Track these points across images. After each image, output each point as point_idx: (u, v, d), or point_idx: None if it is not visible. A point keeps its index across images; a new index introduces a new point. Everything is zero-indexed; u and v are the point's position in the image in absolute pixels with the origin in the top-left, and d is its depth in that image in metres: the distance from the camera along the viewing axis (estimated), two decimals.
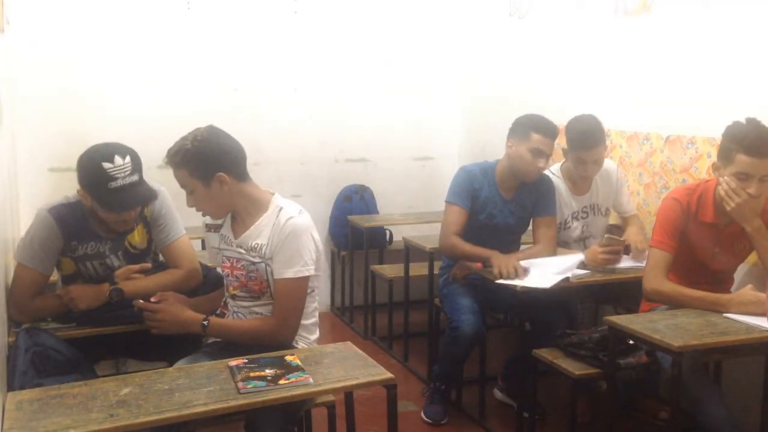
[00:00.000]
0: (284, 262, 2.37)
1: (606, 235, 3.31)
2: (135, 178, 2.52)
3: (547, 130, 3.25)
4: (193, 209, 2.48)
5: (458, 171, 3.47)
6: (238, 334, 2.42)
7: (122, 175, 2.47)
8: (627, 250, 3.31)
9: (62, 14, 4.32)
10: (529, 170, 3.28)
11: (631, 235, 3.42)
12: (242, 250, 2.45)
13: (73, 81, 4.36)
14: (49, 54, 4.29)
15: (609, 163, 3.57)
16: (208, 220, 2.58)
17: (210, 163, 2.36)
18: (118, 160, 2.48)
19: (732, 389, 3.10)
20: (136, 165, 2.54)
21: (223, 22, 4.72)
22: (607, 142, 3.59)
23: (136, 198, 2.55)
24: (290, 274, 2.37)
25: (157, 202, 2.72)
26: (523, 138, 3.24)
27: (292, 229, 2.37)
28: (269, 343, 2.33)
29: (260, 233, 2.42)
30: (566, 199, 3.50)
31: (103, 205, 2.52)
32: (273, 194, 2.50)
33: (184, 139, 2.40)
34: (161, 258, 2.83)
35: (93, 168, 2.48)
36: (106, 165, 2.46)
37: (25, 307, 2.53)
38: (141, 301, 2.46)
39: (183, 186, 2.42)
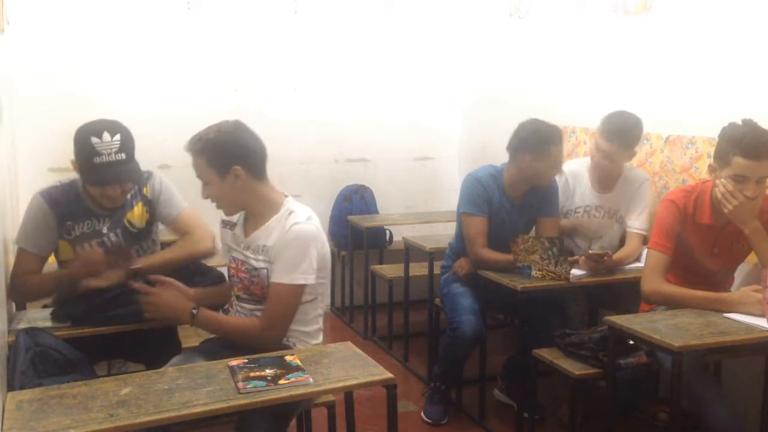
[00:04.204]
0: (282, 267, 2.36)
1: (591, 250, 3.29)
2: (121, 156, 2.55)
3: (559, 138, 3.25)
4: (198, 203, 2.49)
5: (468, 179, 3.40)
6: (226, 329, 2.43)
7: (107, 151, 2.52)
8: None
9: (62, 14, 4.32)
10: (548, 179, 3.30)
11: (620, 252, 3.37)
12: (248, 253, 2.45)
13: (73, 81, 4.37)
14: (49, 54, 4.30)
15: (641, 173, 3.49)
16: (224, 216, 2.59)
17: (228, 156, 2.36)
18: (106, 136, 2.53)
19: (732, 389, 3.10)
20: (126, 144, 2.57)
21: (222, 22, 4.72)
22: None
23: (117, 176, 2.58)
24: (286, 279, 2.36)
25: (154, 181, 2.77)
26: (543, 154, 3.20)
27: (295, 236, 2.36)
28: (254, 344, 2.32)
29: (269, 235, 2.42)
30: (584, 190, 3.47)
31: (83, 177, 2.59)
32: (287, 197, 2.50)
33: (208, 128, 2.41)
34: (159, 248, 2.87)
35: (81, 140, 2.54)
36: (94, 140, 2.52)
37: (18, 285, 2.58)
38: (138, 283, 2.47)
39: (199, 175, 2.42)
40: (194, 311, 2.39)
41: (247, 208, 2.49)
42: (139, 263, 2.63)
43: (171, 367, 2.23)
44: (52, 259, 2.74)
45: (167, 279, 2.52)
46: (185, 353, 2.52)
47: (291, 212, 2.42)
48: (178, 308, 2.42)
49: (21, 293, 2.61)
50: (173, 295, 2.45)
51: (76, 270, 2.55)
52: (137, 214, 2.74)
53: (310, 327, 2.50)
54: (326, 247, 2.47)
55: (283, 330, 2.41)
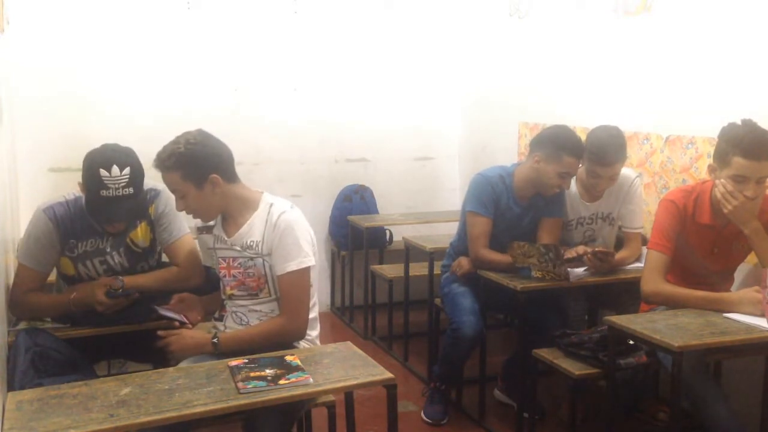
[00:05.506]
0: (285, 256, 2.39)
1: (597, 248, 3.25)
2: (129, 191, 2.52)
3: (579, 151, 3.18)
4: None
5: (477, 178, 3.38)
6: (250, 341, 2.40)
7: (115, 186, 2.49)
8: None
9: (62, 14, 4.32)
10: (552, 188, 3.24)
11: (621, 252, 3.34)
12: (238, 248, 2.47)
13: (73, 81, 4.37)
14: (49, 54, 4.30)
15: (628, 172, 3.43)
16: (199, 222, 2.59)
17: (203, 166, 2.38)
18: (115, 170, 2.49)
19: (732, 389, 3.10)
20: (135, 178, 2.54)
21: (222, 22, 4.72)
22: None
23: (120, 212, 2.56)
24: (293, 266, 2.39)
25: (160, 201, 2.74)
26: (554, 158, 3.16)
27: (287, 224, 2.40)
28: (283, 340, 2.36)
29: (253, 231, 2.44)
30: (575, 203, 3.42)
31: (87, 209, 2.57)
32: (262, 193, 2.52)
33: (175, 143, 2.41)
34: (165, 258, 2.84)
35: (91, 170, 2.51)
36: (103, 172, 2.48)
37: (19, 302, 2.56)
38: (161, 331, 2.45)
39: (174, 190, 2.43)
40: (215, 341, 2.38)
41: (225, 211, 2.51)
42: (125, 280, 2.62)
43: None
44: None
45: (184, 296, 2.56)
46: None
47: (272, 205, 2.46)
48: (199, 344, 2.41)
49: (20, 311, 2.59)
50: (190, 334, 2.45)
51: (77, 306, 2.56)
52: (141, 233, 2.73)
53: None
54: (312, 231, 2.51)
55: (307, 317, 2.45)
